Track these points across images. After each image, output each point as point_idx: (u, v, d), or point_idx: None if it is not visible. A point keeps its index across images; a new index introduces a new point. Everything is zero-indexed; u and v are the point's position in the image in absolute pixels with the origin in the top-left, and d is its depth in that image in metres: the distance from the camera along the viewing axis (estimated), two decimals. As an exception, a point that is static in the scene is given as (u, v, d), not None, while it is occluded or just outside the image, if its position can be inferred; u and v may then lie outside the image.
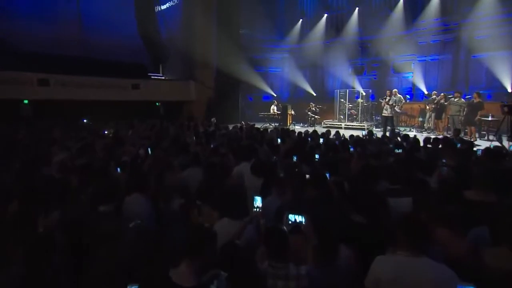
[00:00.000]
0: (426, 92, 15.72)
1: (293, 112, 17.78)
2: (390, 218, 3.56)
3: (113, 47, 16.16)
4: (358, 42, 18.84)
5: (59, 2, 16.11)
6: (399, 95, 14.66)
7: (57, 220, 3.21)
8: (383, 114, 13.13)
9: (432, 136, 11.98)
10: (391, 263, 2.37)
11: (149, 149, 6.73)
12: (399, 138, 8.98)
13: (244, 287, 2.32)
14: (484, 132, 12.04)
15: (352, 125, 16.27)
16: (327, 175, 4.18)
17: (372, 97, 17.29)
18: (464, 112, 11.99)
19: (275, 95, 21.11)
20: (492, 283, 2.35)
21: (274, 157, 6.45)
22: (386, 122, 13.04)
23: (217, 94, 19.03)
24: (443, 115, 13.08)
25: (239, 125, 14.03)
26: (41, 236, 2.64)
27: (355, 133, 13.86)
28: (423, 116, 14.77)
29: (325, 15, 20.48)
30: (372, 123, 16.47)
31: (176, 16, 19.05)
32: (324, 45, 20.22)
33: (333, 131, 10.78)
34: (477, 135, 11.69)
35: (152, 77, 18.95)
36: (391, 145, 8.02)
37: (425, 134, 13.09)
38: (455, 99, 12.14)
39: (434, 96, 13.62)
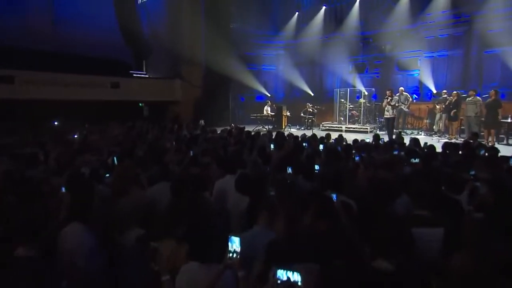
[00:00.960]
0: (435, 91, 15.23)
1: (288, 114, 17.14)
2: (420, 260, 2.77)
3: (89, 42, 15.26)
4: (359, 37, 18.42)
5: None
6: (405, 93, 14.16)
7: None
8: (385, 116, 12.34)
9: (445, 140, 11.72)
10: None
11: (115, 158, 5.85)
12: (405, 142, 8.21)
13: None
14: (503, 136, 11.29)
15: (354, 128, 15.68)
16: (334, 196, 3.33)
17: (375, 96, 16.78)
18: (480, 113, 11.26)
19: (269, 95, 20.53)
20: None
21: (266, 168, 5.62)
22: (388, 124, 12.26)
23: (206, 93, 18.48)
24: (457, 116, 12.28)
25: (228, 128, 13.31)
26: None
27: (358, 136, 13.19)
28: (432, 117, 14.10)
29: (323, 7, 19.94)
30: (375, 125, 15.90)
31: (160, 8, 18.40)
32: (322, 40, 19.68)
33: (333, 135, 10.01)
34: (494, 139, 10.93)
35: (134, 75, 18.11)
36: (402, 152, 7.25)
37: (435, 138, 12.48)
38: (470, 98, 11.37)
39: (445, 95, 12.90)
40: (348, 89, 16.64)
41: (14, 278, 2.36)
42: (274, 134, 10.50)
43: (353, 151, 7.00)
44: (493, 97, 10.95)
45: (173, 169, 5.66)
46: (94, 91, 15.42)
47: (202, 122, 14.65)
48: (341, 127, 15.91)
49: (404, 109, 13.97)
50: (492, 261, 2.25)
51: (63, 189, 3.89)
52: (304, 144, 8.35)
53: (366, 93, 16.43)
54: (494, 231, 2.81)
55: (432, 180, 4.23)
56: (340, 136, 8.99)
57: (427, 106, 14.56)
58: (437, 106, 13.26)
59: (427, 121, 14.50)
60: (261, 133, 11.16)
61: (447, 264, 2.33)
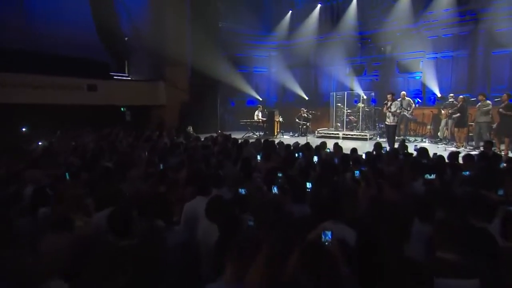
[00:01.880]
0: (439, 95, 14.72)
1: (281, 119, 16.50)
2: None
3: (64, 40, 14.42)
4: (357, 37, 18.08)
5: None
6: (408, 98, 13.68)
7: None
8: (386, 123, 11.62)
9: (452, 148, 10.94)
10: None
11: (67, 174, 5.05)
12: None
13: None
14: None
15: (352, 135, 15.04)
16: (329, 235, 2.56)
17: (374, 101, 16.30)
18: (491, 119, 10.65)
19: (260, 99, 20.02)
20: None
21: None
22: (389, 131, 11.52)
23: (193, 97, 17.95)
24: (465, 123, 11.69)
25: (215, 135, 12.66)
26: None
27: (356, 144, 12.60)
28: (436, 123, 13.59)
29: (319, 5, 19.40)
30: (375, 132, 15.34)
31: (141, 5, 17.66)
32: (317, 40, 19.26)
33: (329, 143, 9.29)
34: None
35: (115, 77, 17.31)
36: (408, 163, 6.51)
37: (441, 146, 11.88)
38: (481, 103, 10.73)
39: (451, 99, 12.28)
40: (345, 93, 16.07)
41: None
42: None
43: (351, 163, 6.24)
44: (505, 102, 10.26)
45: (137, 187, 4.90)
46: (68, 94, 14.58)
47: (190, 128, 13.85)
48: (338, 133, 15.36)
49: (407, 115, 13.35)
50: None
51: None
52: (297, 154, 7.60)
53: (365, 97, 15.88)
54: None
55: (455, 204, 3.49)
56: (337, 145, 8.23)
57: (431, 111, 14.09)
58: (443, 111, 12.68)
59: (430, 127, 14.00)
60: (251, 141, 10.39)
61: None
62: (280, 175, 5.23)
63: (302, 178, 5.43)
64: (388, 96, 11.37)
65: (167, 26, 17.12)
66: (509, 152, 9.92)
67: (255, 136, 15.53)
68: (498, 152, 8.97)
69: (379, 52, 17.51)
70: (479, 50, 14.48)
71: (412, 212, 3.41)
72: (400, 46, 16.52)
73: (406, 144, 9.27)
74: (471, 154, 6.46)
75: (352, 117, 15.83)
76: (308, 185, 4.53)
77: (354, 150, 8.10)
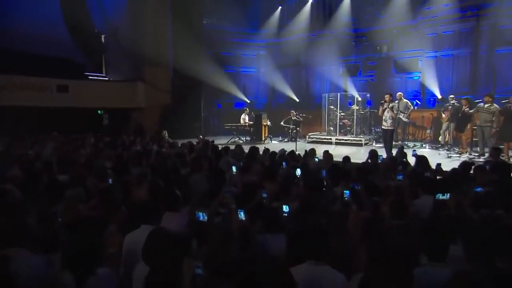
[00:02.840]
0: (439, 96, 14.35)
1: (269, 123, 15.85)
2: None
3: (30, 37, 13.70)
4: (351, 34, 17.88)
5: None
6: (405, 100, 13.10)
7: None
8: (382, 127, 10.85)
9: (455, 155, 10.29)
10: None
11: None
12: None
13: None
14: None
15: (346, 140, 14.42)
16: None
17: (369, 103, 15.67)
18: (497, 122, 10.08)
19: (248, 101, 19.55)
20: None
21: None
22: (386, 136, 10.76)
23: (175, 100, 17.39)
24: (467, 126, 11.13)
25: (196, 140, 12.04)
26: None
27: (350, 150, 12.05)
28: (437, 127, 13.08)
29: (310, 1, 18.99)
30: (371, 136, 14.70)
31: (118, 1, 16.99)
32: (309, 39, 18.83)
33: (321, 149, 8.55)
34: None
35: (90, 77, 16.61)
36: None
37: (443, 152, 11.35)
38: (486, 105, 10.07)
39: (453, 101, 11.68)
40: (339, 94, 15.51)
41: None
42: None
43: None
44: (515, 104, 9.65)
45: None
46: (35, 95, 13.93)
47: (165, 133, 13.12)
48: (330, 138, 14.74)
49: (403, 119, 12.70)
50: None
51: None
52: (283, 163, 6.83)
53: (360, 98, 15.30)
54: None
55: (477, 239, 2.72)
56: (327, 153, 7.46)
57: (431, 114, 13.60)
58: (443, 115, 12.13)
59: (430, 131, 13.48)
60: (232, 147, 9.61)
61: None
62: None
63: (282, 196, 4.70)
64: (386, 96, 10.62)
65: (146, 23, 16.61)
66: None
67: (241, 142, 14.97)
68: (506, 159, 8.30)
69: (375, 51, 17.24)
70: (482, 48, 14.15)
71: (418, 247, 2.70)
72: (397, 44, 16.28)
73: (405, 151, 8.53)
74: (484, 166, 5.71)
75: (346, 120, 15.25)
76: (285, 208, 3.74)
77: (346, 160, 7.34)
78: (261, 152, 8.83)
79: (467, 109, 10.76)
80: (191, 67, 16.33)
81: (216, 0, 18.36)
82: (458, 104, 11.37)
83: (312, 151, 8.45)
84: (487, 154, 9.80)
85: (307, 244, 2.64)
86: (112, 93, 16.38)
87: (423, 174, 5.15)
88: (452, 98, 11.95)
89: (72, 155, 8.08)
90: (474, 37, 14.30)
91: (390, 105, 10.35)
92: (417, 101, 14.77)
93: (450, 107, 11.69)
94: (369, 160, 7.46)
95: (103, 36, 17.72)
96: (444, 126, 12.09)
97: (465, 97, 11.54)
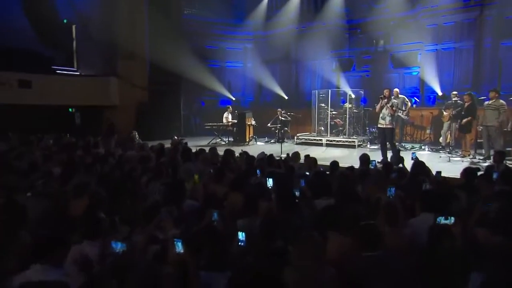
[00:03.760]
0: (440, 93, 14.04)
1: (253, 122, 15.17)
2: None
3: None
4: (344, 26, 17.51)
5: None
6: (402, 96, 12.57)
7: None
8: (379, 125, 10.06)
9: (458, 158, 9.57)
10: None
11: None
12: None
13: None
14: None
15: (337, 141, 13.78)
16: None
17: (364, 100, 15.25)
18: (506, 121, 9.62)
19: (233, 99, 19.04)
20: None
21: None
22: (384, 137, 9.96)
23: (152, 97, 16.83)
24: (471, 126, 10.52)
25: (172, 141, 11.51)
26: None
27: (342, 153, 11.59)
28: (436, 127, 12.69)
29: None
30: (365, 137, 14.10)
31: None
32: (298, 31, 18.50)
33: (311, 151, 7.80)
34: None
35: (58, 71, 15.99)
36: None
37: (444, 155, 10.68)
38: (491, 101, 9.44)
39: (455, 99, 11.15)
40: (330, 91, 14.83)
41: None
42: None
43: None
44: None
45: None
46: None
47: (135, 134, 12.37)
48: (321, 140, 14.12)
49: (402, 116, 12.16)
50: None
51: None
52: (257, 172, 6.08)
53: (353, 96, 14.74)
54: None
55: None
56: (308, 158, 6.74)
57: (431, 113, 13.20)
58: (445, 113, 11.53)
59: (430, 131, 13.16)
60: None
61: None
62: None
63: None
64: (385, 91, 9.85)
65: (120, 13, 16.01)
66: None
67: (223, 143, 14.39)
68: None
69: (370, 44, 16.91)
70: (486, 41, 13.90)
71: None
72: (394, 36, 15.95)
73: (402, 155, 7.82)
74: (490, 175, 5.00)
75: (338, 120, 14.64)
76: (241, 236, 2.98)
77: (334, 166, 6.58)
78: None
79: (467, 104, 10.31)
80: (170, 62, 15.92)
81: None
82: (461, 102, 10.83)
83: (296, 155, 7.70)
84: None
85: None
86: (82, 89, 15.70)
87: (421, 186, 4.41)
88: (455, 95, 11.45)
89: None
90: (478, 29, 14.10)
91: (390, 102, 9.59)
92: (415, 98, 14.33)
93: (452, 105, 11.13)
94: (360, 166, 6.74)
95: (74, 27, 16.95)
96: (445, 126, 11.53)
97: (467, 92, 10.98)
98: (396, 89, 12.44)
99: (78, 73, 16.85)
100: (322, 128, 14.90)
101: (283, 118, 15.19)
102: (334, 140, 13.83)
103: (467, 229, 3.48)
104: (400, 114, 11.90)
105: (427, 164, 6.25)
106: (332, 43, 17.19)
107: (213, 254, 2.74)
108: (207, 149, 8.87)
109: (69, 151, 8.37)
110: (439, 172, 5.58)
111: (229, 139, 14.84)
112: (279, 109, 15.24)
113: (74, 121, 16.22)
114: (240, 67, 20.53)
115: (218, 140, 14.71)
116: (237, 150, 8.73)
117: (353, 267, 2.83)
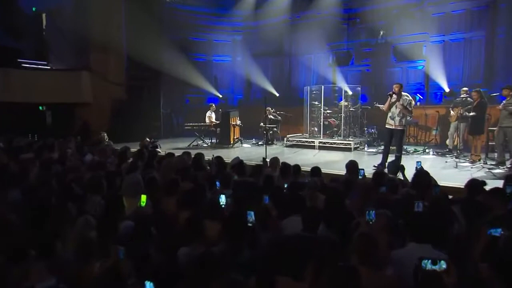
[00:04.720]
0: (447, 90, 13.68)
1: (239, 122, 14.60)
2: None
3: None
4: (342, 16, 17.16)
5: None
6: (405, 94, 11.68)
7: None
8: (387, 126, 9.28)
9: (466, 164, 9.00)
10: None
11: None
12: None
13: None
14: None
15: (331, 143, 13.17)
16: None
17: (364, 97, 14.89)
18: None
19: (220, 96, 18.66)
20: None
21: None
22: (391, 139, 9.17)
23: (130, 93, 16.57)
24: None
25: (146, 144, 11.03)
26: None
27: (336, 157, 11.00)
28: (443, 128, 12.32)
29: None
30: (363, 139, 13.54)
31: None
32: (292, 21, 18.26)
33: (302, 154, 7.05)
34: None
35: (24, 65, 15.57)
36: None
37: (450, 160, 9.91)
38: (507, 100, 8.78)
39: (464, 95, 10.60)
40: (323, 87, 14.30)
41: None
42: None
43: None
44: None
45: None
46: None
47: (104, 135, 11.81)
48: (313, 141, 13.52)
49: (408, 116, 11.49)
50: None
51: None
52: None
53: (350, 92, 14.21)
54: None
55: None
56: (275, 160, 6.02)
57: (437, 111, 12.74)
58: (452, 112, 11.07)
59: (436, 132, 12.80)
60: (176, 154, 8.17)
61: None
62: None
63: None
64: (395, 87, 9.15)
65: (94, 0, 15.62)
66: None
67: (205, 145, 13.86)
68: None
69: (371, 36, 16.49)
70: (499, 31, 13.54)
71: None
72: (397, 27, 15.49)
73: (404, 160, 7.06)
74: (502, 191, 4.23)
75: (333, 119, 14.10)
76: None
77: (315, 172, 5.84)
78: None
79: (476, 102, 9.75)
80: (150, 55, 15.77)
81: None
82: (472, 99, 10.21)
83: (274, 160, 6.91)
84: (508, 163, 8.58)
85: None
86: (51, 85, 15.23)
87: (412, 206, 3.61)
88: (465, 91, 10.90)
89: None
90: (490, 17, 13.85)
91: (401, 100, 8.83)
92: (419, 95, 13.87)
93: (460, 103, 10.56)
94: (348, 175, 5.97)
95: (44, 16, 16.59)
96: (452, 127, 11.08)
97: (475, 89, 10.47)
98: (397, 84, 11.84)
99: (48, 67, 16.42)
100: (316, 129, 14.36)
101: (272, 117, 14.65)
102: (327, 142, 13.26)
103: (467, 266, 2.70)
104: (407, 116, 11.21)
105: (430, 170, 5.53)
106: (328, 34, 16.85)
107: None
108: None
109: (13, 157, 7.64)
110: (437, 187, 4.75)
111: (212, 140, 14.34)
112: (268, 108, 14.61)
113: (44, 121, 15.83)
114: (228, 61, 20.33)
115: (200, 142, 14.18)
116: (221, 154, 8.15)
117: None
